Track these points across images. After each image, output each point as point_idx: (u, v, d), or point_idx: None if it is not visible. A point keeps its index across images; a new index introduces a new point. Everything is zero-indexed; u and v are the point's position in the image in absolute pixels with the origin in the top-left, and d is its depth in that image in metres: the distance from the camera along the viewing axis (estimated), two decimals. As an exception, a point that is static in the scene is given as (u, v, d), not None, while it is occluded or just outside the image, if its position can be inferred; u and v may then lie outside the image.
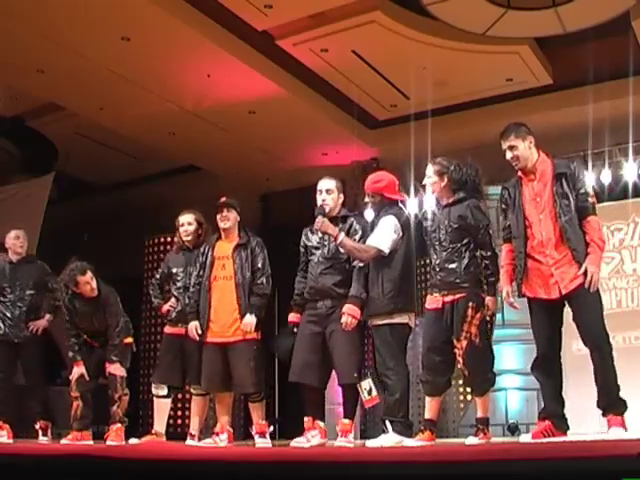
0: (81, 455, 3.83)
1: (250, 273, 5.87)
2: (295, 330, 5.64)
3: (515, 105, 9.95)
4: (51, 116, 10.64)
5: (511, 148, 4.85)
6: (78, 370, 6.40)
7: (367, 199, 5.58)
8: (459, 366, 5.12)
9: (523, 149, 4.84)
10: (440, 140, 9.43)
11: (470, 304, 5.03)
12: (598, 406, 4.64)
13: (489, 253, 5.15)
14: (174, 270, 6.39)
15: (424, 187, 5.45)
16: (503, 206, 5.02)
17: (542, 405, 4.99)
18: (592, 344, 4.64)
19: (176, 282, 6.36)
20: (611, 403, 4.59)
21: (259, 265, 5.91)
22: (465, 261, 5.11)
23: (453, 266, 5.11)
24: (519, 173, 4.94)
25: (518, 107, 9.89)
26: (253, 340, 5.82)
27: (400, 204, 5.62)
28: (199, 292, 5.96)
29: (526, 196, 4.85)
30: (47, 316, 7.04)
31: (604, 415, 4.61)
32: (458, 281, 5.08)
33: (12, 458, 4.24)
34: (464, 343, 5.01)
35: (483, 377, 5.14)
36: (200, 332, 5.86)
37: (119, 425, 6.38)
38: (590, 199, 4.77)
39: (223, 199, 6.04)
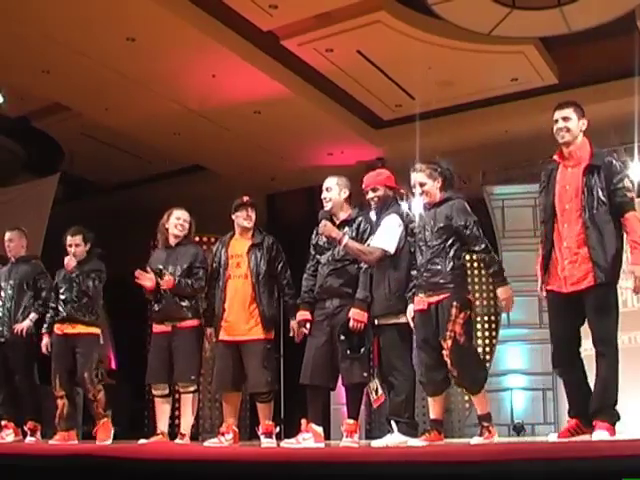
0: (83, 455, 3.83)
1: (265, 271, 5.86)
2: (307, 326, 5.63)
3: (520, 105, 9.95)
4: (56, 116, 10.66)
5: (565, 119, 4.69)
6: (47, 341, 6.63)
7: (370, 195, 5.55)
8: (448, 367, 5.08)
9: (575, 125, 4.69)
10: (445, 140, 9.44)
11: (454, 304, 4.97)
12: (589, 412, 4.52)
13: (482, 246, 5.03)
14: (158, 267, 6.35)
15: (421, 195, 5.29)
16: (540, 188, 4.91)
17: (550, 403, 4.93)
18: (599, 349, 4.56)
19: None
20: (601, 409, 4.48)
21: (280, 267, 5.91)
22: (450, 261, 5.05)
23: (438, 267, 5.03)
24: (555, 156, 4.80)
25: (523, 107, 9.89)
26: (266, 339, 5.81)
27: (399, 202, 5.64)
28: (214, 293, 5.98)
29: (558, 181, 4.72)
30: (31, 315, 6.99)
31: (592, 420, 4.49)
32: (442, 281, 5.00)
33: (13, 458, 4.25)
34: (449, 342, 4.95)
35: (473, 376, 5.09)
36: (214, 337, 5.90)
37: (105, 420, 6.44)
38: (628, 194, 4.56)
39: (247, 198, 6.01)
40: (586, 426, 4.59)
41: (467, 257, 5.76)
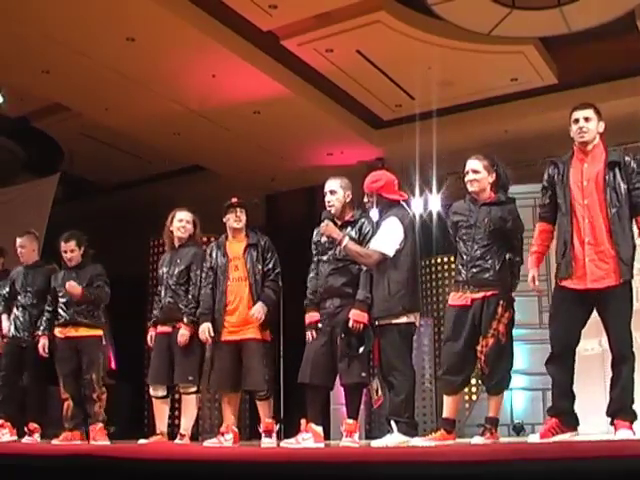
0: (83, 455, 3.83)
1: (261, 272, 5.96)
2: (320, 326, 5.58)
3: (520, 105, 9.95)
4: (56, 116, 10.66)
5: (587, 119, 4.75)
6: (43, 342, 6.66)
7: (365, 198, 5.55)
8: (480, 364, 5.07)
9: (594, 126, 4.76)
10: (445, 140, 9.43)
11: (501, 302, 5.00)
12: (607, 413, 4.55)
13: (517, 259, 5.12)
14: (162, 270, 6.38)
15: (470, 182, 5.25)
16: (545, 183, 4.88)
17: (549, 403, 4.92)
18: (618, 352, 4.55)
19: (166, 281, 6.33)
20: (622, 409, 4.51)
21: (270, 265, 6.01)
22: (500, 259, 5.07)
23: (488, 264, 5.05)
24: (574, 149, 4.82)
25: (523, 107, 9.88)
26: (264, 340, 5.90)
27: (403, 204, 5.59)
28: (212, 293, 6.01)
29: (573, 176, 4.73)
30: None
31: (612, 422, 4.53)
32: (491, 279, 5.02)
33: (13, 458, 4.25)
34: (490, 341, 4.97)
35: (502, 376, 5.11)
36: (212, 334, 5.91)
37: (101, 425, 6.44)
38: None
39: (236, 199, 6.05)
40: (566, 425, 4.65)
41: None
